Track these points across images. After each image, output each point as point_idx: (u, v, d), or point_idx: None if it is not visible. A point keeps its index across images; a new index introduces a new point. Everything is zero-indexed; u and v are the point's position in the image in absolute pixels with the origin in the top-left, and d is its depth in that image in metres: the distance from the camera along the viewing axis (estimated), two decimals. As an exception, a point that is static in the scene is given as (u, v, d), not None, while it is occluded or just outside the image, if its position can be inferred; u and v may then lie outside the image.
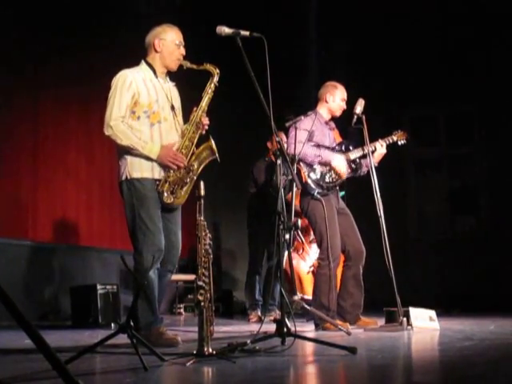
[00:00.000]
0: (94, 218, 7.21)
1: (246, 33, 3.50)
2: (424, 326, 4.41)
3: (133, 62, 3.95)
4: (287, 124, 4.72)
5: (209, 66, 3.89)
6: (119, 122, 3.71)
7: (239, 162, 7.16)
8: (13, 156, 6.18)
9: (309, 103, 5.13)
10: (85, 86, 6.83)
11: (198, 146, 3.86)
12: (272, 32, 3.45)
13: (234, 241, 8.57)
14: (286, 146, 5.01)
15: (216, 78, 3.88)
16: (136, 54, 4.00)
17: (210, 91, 3.88)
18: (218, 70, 3.89)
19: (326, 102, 5.05)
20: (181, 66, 3.93)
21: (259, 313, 6.34)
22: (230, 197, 8.41)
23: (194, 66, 3.87)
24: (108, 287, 5.75)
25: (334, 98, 5.04)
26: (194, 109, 3.88)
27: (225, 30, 3.54)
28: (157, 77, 3.88)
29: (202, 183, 3.11)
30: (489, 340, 3.71)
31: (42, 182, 6.51)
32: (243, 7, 8.00)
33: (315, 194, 4.86)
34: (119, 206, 7.28)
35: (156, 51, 3.89)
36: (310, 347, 3.50)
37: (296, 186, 4.30)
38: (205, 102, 3.88)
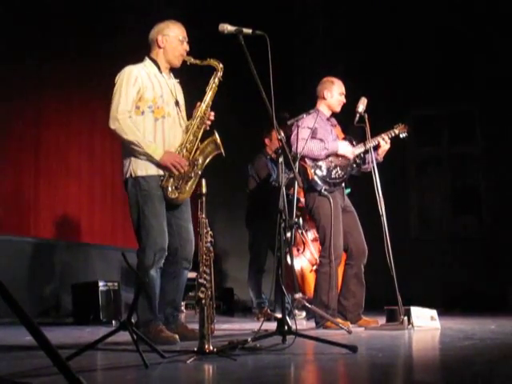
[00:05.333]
0: (95, 215, 7.22)
1: (248, 30, 3.50)
2: (425, 325, 4.41)
3: (135, 61, 3.95)
4: (289, 122, 4.71)
5: (212, 61, 3.90)
6: (126, 117, 3.70)
7: (236, 159, 7.13)
8: (15, 154, 6.19)
9: (309, 101, 5.13)
10: (87, 86, 6.84)
11: (202, 140, 3.87)
12: (273, 29, 3.45)
13: (231, 239, 8.52)
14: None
15: (220, 73, 3.90)
16: (139, 52, 4.00)
17: (214, 86, 3.90)
18: (221, 65, 3.90)
19: (325, 98, 5.04)
20: (184, 62, 3.93)
21: (269, 310, 6.27)
22: (226, 195, 8.38)
23: (198, 62, 3.88)
24: (109, 284, 5.75)
25: (332, 94, 5.03)
26: (198, 103, 3.90)
27: (227, 28, 3.54)
28: (161, 72, 3.89)
29: (203, 180, 3.10)
30: (490, 339, 3.71)
31: (44, 179, 6.51)
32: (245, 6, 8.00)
33: (322, 190, 4.86)
34: (121, 203, 7.35)
35: (159, 47, 3.90)
36: (310, 345, 3.50)
37: (298, 184, 4.29)
38: (209, 96, 3.89)
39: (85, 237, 7.00)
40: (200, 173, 3.82)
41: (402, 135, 5.14)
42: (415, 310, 4.41)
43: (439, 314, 4.60)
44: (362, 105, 4.85)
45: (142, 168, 3.75)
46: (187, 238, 3.88)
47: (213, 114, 3.90)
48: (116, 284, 5.83)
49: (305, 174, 4.87)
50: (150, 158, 3.72)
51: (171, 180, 3.76)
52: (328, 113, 5.09)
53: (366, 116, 4.82)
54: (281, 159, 3.54)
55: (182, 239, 3.85)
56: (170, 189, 3.75)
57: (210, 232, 3.04)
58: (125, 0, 7.45)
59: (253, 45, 3.45)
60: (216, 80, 3.90)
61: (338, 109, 5.07)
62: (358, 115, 4.83)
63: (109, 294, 5.71)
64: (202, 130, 3.87)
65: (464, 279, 7.94)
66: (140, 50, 4.02)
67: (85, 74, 6.81)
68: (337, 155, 4.95)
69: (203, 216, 3.02)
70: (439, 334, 4.23)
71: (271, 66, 3.37)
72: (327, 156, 4.92)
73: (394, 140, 5.11)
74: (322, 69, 5.63)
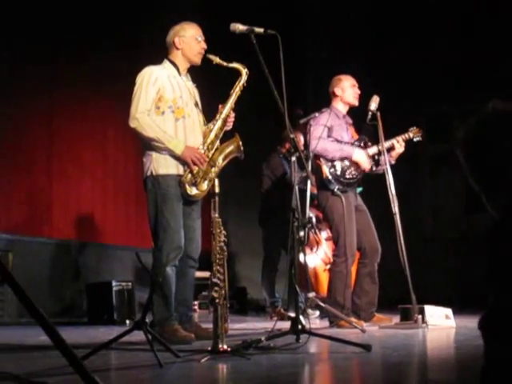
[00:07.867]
0: (109, 215, 7.24)
1: (260, 30, 3.51)
2: (439, 324, 4.39)
3: (146, 60, 3.97)
4: (301, 121, 4.71)
5: (238, 65, 3.94)
6: (145, 115, 3.76)
7: (249, 158, 7.14)
8: (29, 154, 6.21)
9: (321, 101, 5.13)
10: (100, 85, 6.85)
11: (222, 141, 3.94)
12: (284, 31, 3.45)
13: (244, 238, 8.50)
14: (302, 143, 5.03)
15: (244, 78, 3.94)
16: (149, 52, 4.03)
17: (237, 90, 3.97)
18: (246, 70, 3.94)
19: (337, 95, 5.04)
20: (209, 61, 3.95)
21: (282, 310, 6.26)
22: (239, 194, 8.36)
23: (224, 63, 3.92)
24: (123, 284, 5.77)
25: (343, 89, 5.03)
26: (221, 106, 3.96)
27: (239, 27, 3.55)
28: (180, 74, 3.95)
29: (216, 180, 3.13)
30: (505, 338, 3.68)
31: (58, 179, 6.54)
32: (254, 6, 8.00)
33: (335, 189, 4.85)
34: (134, 203, 7.37)
35: (177, 48, 3.96)
36: (324, 344, 3.50)
37: (311, 183, 4.29)
38: (232, 99, 3.95)
39: (98, 237, 7.02)
40: (218, 172, 3.85)
41: (416, 139, 5.12)
42: (429, 309, 4.39)
43: (454, 313, 4.58)
44: (374, 103, 4.85)
45: (163, 166, 3.79)
46: (192, 237, 3.91)
47: (233, 114, 3.96)
48: (130, 284, 5.85)
49: (319, 172, 4.87)
50: (171, 153, 3.76)
51: (190, 176, 3.79)
52: (344, 109, 5.07)
53: (379, 114, 4.81)
54: (293, 158, 3.53)
55: (188, 238, 3.86)
56: (187, 185, 3.78)
57: (224, 231, 3.05)
58: (138, 1, 7.46)
59: (265, 44, 3.46)
60: (240, 85, 3.95)
61: (355, 102, 5.04)
62: (370, 113, 4.83)
63: (122, 293, 5.73)
64: (222, 132, 3.94)
65: (478, 278, 7.87)
66: (151, 50, 4.04)
67: (98, 73, 6.83)
68: (352, 157, 4.94)
69: (216, 215, 3.03)
70: (454, 332, 4.20)
71: (283, 65, 3.38)
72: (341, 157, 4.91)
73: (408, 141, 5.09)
74: (333, 67, 5.61)
